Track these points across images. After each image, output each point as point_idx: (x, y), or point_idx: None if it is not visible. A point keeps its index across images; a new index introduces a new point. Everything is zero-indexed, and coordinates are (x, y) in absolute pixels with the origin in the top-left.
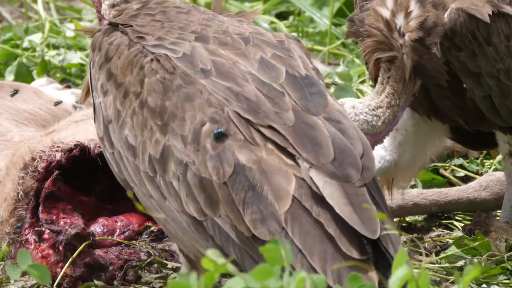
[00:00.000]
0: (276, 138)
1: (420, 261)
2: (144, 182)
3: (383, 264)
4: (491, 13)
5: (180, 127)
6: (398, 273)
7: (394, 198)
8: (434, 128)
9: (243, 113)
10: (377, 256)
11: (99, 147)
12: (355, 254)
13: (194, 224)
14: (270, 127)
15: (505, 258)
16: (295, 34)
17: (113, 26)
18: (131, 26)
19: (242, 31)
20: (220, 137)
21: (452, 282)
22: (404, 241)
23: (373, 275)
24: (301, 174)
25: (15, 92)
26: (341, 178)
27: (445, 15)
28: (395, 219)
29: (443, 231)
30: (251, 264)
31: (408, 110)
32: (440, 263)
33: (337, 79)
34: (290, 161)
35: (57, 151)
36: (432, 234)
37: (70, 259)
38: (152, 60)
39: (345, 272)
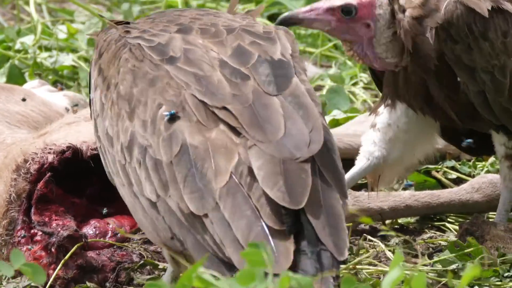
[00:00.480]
0: (228, 119)
1: (415, 263)
2: (119, 171)
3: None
4: (490, 8)
5: (143, 112)
6: (392, 274)
7: (382, 198)
8: (426, 127)
9: (200, 96)
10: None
11: (92, 149)
12: (275, 225)
13: (152, 207)
14: (224, 109)
15: (498, 262)
16: None
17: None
18: (127, 23)
19: (232, 24)
20: (173, 118)
21: (445, 284)
22: (396, 243)
23: (290, 245)
24: (245, 152)
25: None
26: (286, 153)
27: (443, 5)
28: (388, 221)
29: (435, 233)
30: (192, 243)
31: (403, 107)
32: (432, 266)
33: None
34: (238, 140)
35: (49, 153)
36: (425, 236)
37: (63, 261)
38: (127, 51)
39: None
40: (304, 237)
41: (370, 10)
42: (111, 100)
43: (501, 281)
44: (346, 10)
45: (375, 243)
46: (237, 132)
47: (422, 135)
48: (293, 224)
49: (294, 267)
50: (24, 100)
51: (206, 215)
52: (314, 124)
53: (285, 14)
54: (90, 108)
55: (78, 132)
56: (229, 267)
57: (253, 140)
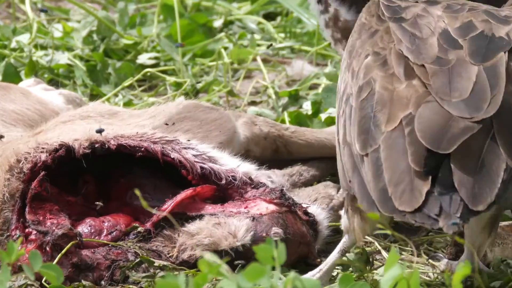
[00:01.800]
0: (422, 76)
1: (411, 261)
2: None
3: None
4: None
5: (356, 62)
6: (390, 273)
7: None
8: None
9: (406, 52)
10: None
11: (84, 148)
12: (417, 167)
13: (339, 153)
14: (422, 66)
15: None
16: (282, 34)
17: None
18: None
19: (478, 6)
20: None
21: (443, 283)
22: (392, 241)
23: (424, 186)
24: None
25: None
26: (462, 111)
27: None
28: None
29: (432, 231)
30: (358, 184)
31: None
32: (428, 263)
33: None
34: (423, 94)
35: (41, 152)
36: (421, 235)
37: (57, 259)
38: (365, 8)
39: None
40: (442, 181)
41: None
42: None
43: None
44: None
45: (370, 241)
46: (425, 88)
47: None
48: (435, 167)
49: (421, 207)
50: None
51: (367, 155)
52: (499, 90)
53: None
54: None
55: (73, 131)
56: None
57: (436, 96)
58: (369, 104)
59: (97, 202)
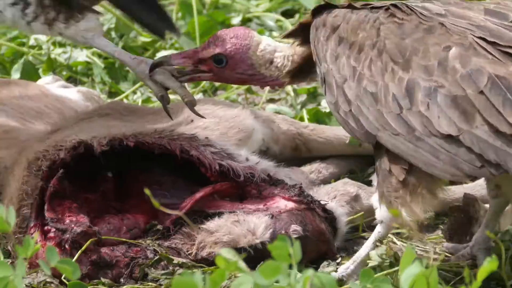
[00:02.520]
0: None
1: (429, 258)
2: (388, 123)
3: None
4: None
5: (423, 59)
6: (409, 271)
7: None
8: None
9: (489, 37)
10: None
11: (102, 145)
12: None
13: (448, 142)
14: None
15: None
16: None
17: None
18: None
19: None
20: None
21: (461, 279)
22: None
23: None
24: None
25: None
26: None
27: None
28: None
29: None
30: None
31: None
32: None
33: None
34: None
35: (60, 149)
36: (439, 232)
37: (76, 256)
38: (387, 9)
39: None
40: None
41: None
42: (369, 59)
43: None
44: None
45: (388, 239)
46: None
47: None
48: None
49: None
50: None
51: None
52: None
53: (158, 58)
54: (324, 81)
55: (91, 128)
56: None
57: None
58: (496, 87)
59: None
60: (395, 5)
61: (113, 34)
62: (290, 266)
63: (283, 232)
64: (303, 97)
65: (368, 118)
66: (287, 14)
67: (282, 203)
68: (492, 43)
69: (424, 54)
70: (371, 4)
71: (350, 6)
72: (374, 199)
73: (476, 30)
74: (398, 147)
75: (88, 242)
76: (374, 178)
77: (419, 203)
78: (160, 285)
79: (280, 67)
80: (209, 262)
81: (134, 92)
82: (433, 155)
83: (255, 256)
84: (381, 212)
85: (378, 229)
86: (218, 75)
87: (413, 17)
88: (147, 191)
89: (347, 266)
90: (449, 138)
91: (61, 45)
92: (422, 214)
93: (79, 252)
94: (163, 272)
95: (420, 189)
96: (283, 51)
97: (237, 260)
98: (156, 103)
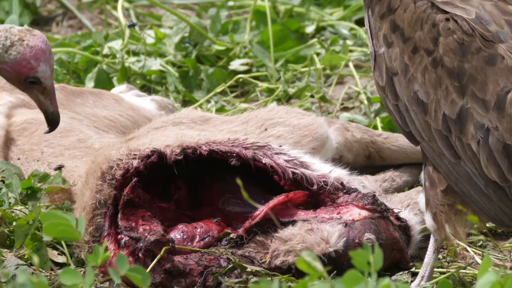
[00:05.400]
0: None
1: (505, 266)
2: (435, 139)
3: None
4: None
5: (481, 91)
6: (485, 278)
7: None
8: None
9: None
10: None
11: (175, 154)
12: None
13: (493, 188)
14: None
15: None
16: None
17: None
18: None
19: None
20: None
21: None
22: (484, 247)
23: None
24: None
25: (133, 24)
26: None
27: None
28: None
29: None
30: None
31: None
32: None
33: None
34: None
35: (134, 158)
36: None
37: (151, 266)
38: (447, 19)
39: None
40: None
41: None
42: (424, 65)
43: None
44: None
45: (462, 248)
46: None
47: None
48: None
49: None
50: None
51: None
52: None
53: None
54: (375, 60)
55: (165, 137)
56: None
57: None
58: None
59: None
60: (455, 19)
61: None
62: (368, 274)
63: (357, 240)
64: (376, 106)
65: (414, 123)
66: (361, 22)
67: (355, 212)
68: None
69: (482, 86)
70: None
71: None
72: (421, 201)
73: None
74: (440, 166)
75: (162, 251)
76: (421, 178)
77: (462, 224)
78: None
79: None
80: (282, 270)
81: (208, 101)
82: (474, 191)
83: (329, 264)
84: (428, 221)
85: (433, 238)
86: None
87: (474, 39)
88: (238, 182)
89: (417, 283)
90: (495, 183)
91: (135, 53)
92: (464, 236)
93: (155, 260)
94: (236, 280)
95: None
96: None
97: (318, 265)
98: (230, 112)
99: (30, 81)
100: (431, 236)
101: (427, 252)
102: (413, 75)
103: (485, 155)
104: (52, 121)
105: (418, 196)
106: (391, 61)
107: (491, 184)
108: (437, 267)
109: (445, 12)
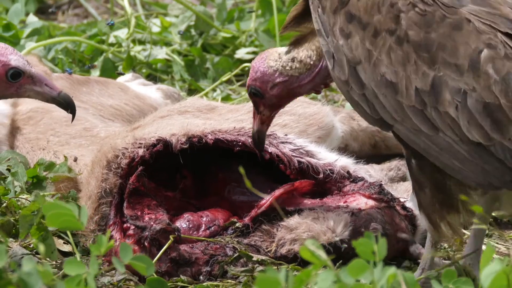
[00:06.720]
0: None
1: (510, 256)
2: (409, 117)
3: None
4: None
5: (452, 57)
6: (489, 268)
7: None
8: None
9: None
10: None
11: (181, 142)
12: None
13: (477, 151)
14: None
15: None
16: None
17: None
18: None
19: None
20: None
21: None
22: (490, 235)
23: None
24: None
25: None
26: None
27: None
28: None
29: None
30: None
31: None
32: None
33: None
34: None
35: (139, 147)
36: None
37: (158, 255)
38: None
39: None
40: None
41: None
42: (388, 46)
43: None
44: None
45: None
46: None
47: None
48: None
49: None
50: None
51: None
52: None
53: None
54: (333, 56)
55: (171, 125)
56: None
57: None
58: None
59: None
60: None
61: (192, 31)
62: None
63: (362, 230)
64: None
65: (385, 106)
66: None
67: (362, 201)
68: None
69: (452, 52)
70: None
71: None
72: (413, 204)
73: (499, 22)
74: (417, 144)
75: (170, 241)
76: (408, 176)
77: (457, 220)
78: (240, 282)
79: (305, 60)
80: (288, 259)
81: (214, 90)
82: (458, 160)
83: (334, 253)
84: (423, 222)
85: (429, 234)
86: (269, 105)
87: (435, 8)
88: (241, 170)
89: (418, 274)
90: (478, 146)
91: (141, 42)
92: (461, 232)
93: (162, 250)
94: (242, 269)
95: (456, 202)
96: (303, 47)
97: (322, 253)
98: (236, 101)
99: (13, 76)
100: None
101: (425, 247)
102: (377, 59)
103: (466, 119)
104: (66, 104)
105: None
106: (352, 51)
107: (474, 148)
108: (444, 258)
109: None
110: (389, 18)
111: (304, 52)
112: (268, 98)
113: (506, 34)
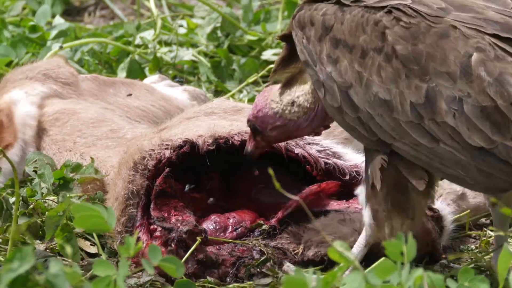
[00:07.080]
0: None
1: None
2: (407, 132)
3: None
4: None
5: (443, 65)
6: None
7: None
8: None
9: (501, 33)
10: None
11: (208, 144)
12: None
13: (480, 156)
14: None
15: None
16: None
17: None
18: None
19: None
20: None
21: None
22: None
23: None
24: None
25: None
26: None
27: None
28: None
29: None
30: None
31: None
32: None
33: None
34: None
35: (166, 148)
36: None
37: (185, 256)
38: (388, 11)
39: None
40: None
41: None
42: (377, 65)
43: None
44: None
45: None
46: None
47: None
48: None
49: None
50: (130, 95)
51: None
52: None
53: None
54: (323, 85)
55: (197, 127)
56: None
57: None
58: None
59: (210, 199)
60: (396, 8)
61: (219, 33)
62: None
63: None
64: None
65: (381, 126)
66: None
67: None
68: (506, 39)
69: (442, 60)
70: (361, 1)
71: (337, 2)
72: (361, 196)
73: (485, 25)
74: (419, 158)
75: (197, 242)
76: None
77: (400, 223)
78: (266, 285)
79: (303, 104)
80: (315, 262)
81: (240, 91)
82: (462, 168)
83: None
84: (366, 216)
85: (365, 232)
86: (267, 141)
87: (419, 19)
88: (270, 171)
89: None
90: (480, 151)
91: (167, 44)
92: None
93: (189, 251)
94: (268, 281)
95: (408, 207)
96: (295, 87)
97: (350, 255)
98: None
99: None
100: (364, 228)
101: (357, 244)
102: (368, 79)
103: (465, 126)
104: None
105: (450, 186)
106: (341, 76)
107: (477, 153)
108: (470, 259)
109: (383, 7)
110: (375, 37)
111: (303, 96)
112: (267, 136)
113: (494, 36)
